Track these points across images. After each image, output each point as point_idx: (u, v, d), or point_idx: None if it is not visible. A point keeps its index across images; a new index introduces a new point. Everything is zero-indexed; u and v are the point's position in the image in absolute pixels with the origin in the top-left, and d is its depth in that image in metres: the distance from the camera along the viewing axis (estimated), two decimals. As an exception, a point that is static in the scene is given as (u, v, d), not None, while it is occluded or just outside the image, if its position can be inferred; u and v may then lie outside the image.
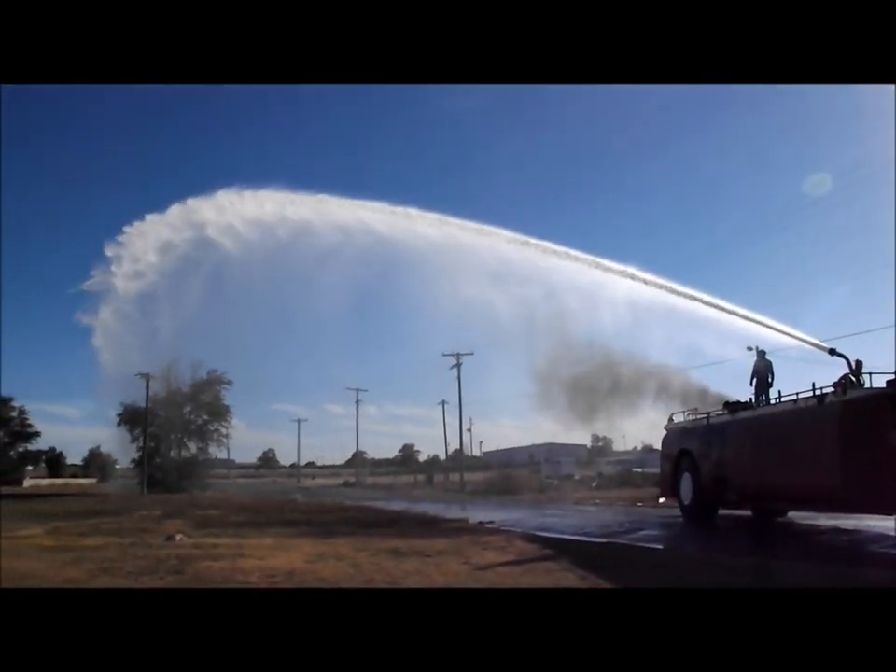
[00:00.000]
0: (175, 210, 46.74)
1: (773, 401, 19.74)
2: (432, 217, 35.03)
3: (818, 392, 16.30)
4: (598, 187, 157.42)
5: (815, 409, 16.14)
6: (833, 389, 15.95)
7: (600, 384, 38.15)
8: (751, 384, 22.22)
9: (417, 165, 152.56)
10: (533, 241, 32.91)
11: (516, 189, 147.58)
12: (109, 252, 53.00)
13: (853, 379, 16.42)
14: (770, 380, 21.87)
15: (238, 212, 42.54)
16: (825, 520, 19.15)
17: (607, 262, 31.24)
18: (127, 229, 51.19)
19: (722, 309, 27.46)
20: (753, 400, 21.20)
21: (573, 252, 31.98)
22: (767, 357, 22.51)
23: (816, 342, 23.06)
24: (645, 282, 29.97)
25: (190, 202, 44.85)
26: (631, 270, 30.36)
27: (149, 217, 49.88)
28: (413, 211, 35.50)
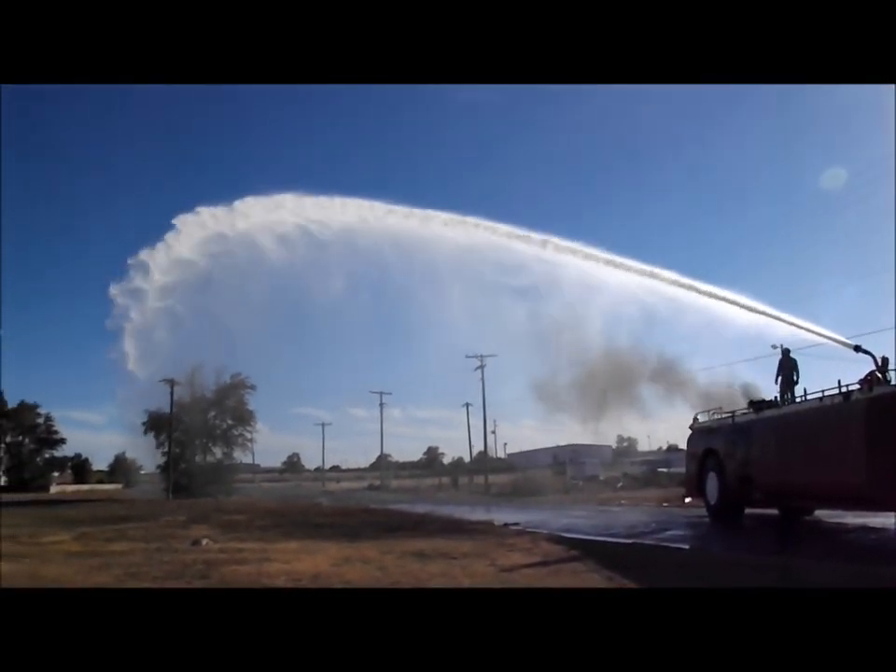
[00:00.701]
0: (199, 218, 47.08)
1: (798, 399, 19.63)
2: (453, 218, 35.10)
3: (843, 389, 16.18)
4: (613, 186, 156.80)
5: (841, 406, 16.00)
6: (858, 386, 15.83)
7: (616, 383, 38.18)
8: (776, 382, 22.12)
9: (432, 162, 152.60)
10: (560, 242, 32.90)
11: (533, 186, 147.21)
12: (138, 258, 53.52)
13: (879, 376, 16.28)
14: (796, 378, 21.75)
15: (261, 218, 42.76)
16: (852, 518, 19.00)
17: (628, 262, 31.21)
18: (156, 235, 51.66)
19: (746, 307, 27.38)
20: (779, 399, 21.07)
21: (597, 253, 31.98)
22: (792, 355, 22.42)
23: (841, 338, 22.99)
24: (670, 282, 29.93)
25: (215, 209, 45.13)
26: (655, 269, 30.33)
27: (175, 225, 50.28)
28: (434, 213, 35.60)
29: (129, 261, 55.07)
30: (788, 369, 21.96)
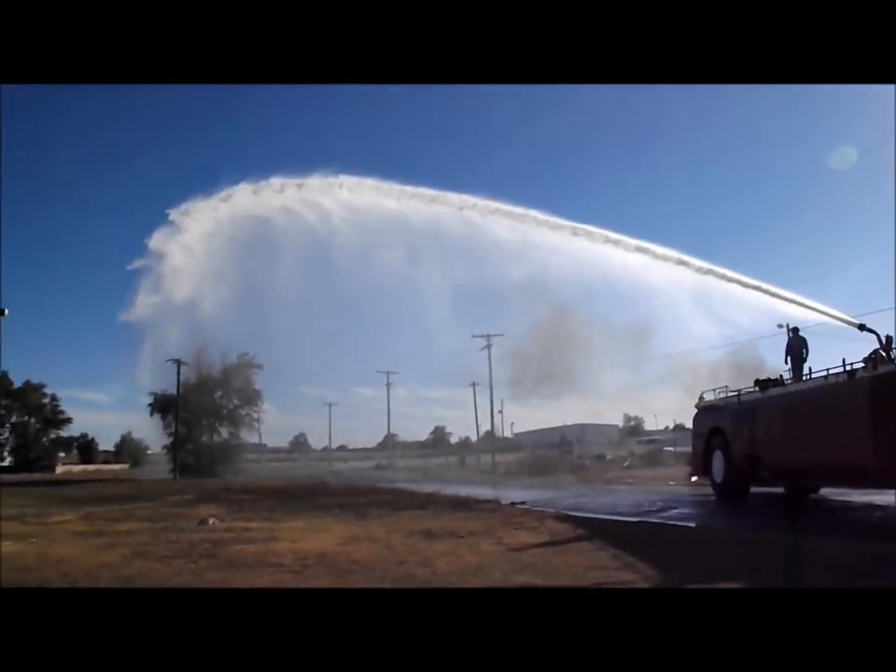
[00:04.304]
0: (212, 201, 47.09)
1: (804, 378, 19.64)
2: (457, 198, 35.06)
3: (848, 368, 16.20)
4: (616, 169, 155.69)
5: (846, 385, 16.03)
6: (863, 365, 15.84)
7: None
8: (786, 361, 22.11)
9: (436, 144, 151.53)
10: (562, 222, 32.85)
11: (537, 170, 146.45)
12: (150, 241, 53.65)
13: (884, 354, 16.28)
14: (805, 356, 21.74)
15: (270, 200, 42.79)
16: (858, 496, 19.04)
17: (636, 242, 31.16)
18: (164, 218, 51.72)
19: (751, 286, 27.34)
20: (790, 377, 21.03)
21: (603, 232, 31.92)
22: (801, 333, 22.39)
23: (845, 317, 22.94)
24: (678, 262, 29.88)
25: (228, 190, 45.15)
26: (667, 251, 30.28)
27: (182, 208, 50.31)
28: (441, 194, 35.57)
29: (134, 243, 55.25)
30: (797, 347, 21.93)
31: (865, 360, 15.88)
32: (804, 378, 19.41)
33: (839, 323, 23.12)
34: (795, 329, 22.63)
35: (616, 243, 31.60)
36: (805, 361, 21.47)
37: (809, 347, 21.97)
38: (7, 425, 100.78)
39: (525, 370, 57.55)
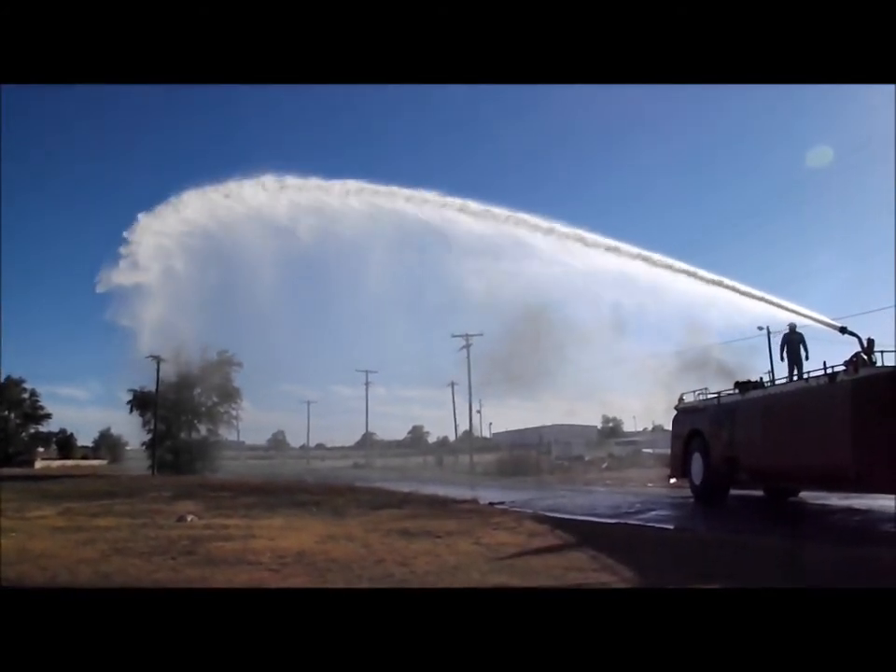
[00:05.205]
0: (187, 197, 46.91)
1: (783, 380, 19.69)
2: (436, 199, 35.04)
3: (829, 371, 16.23)
4: (597, 169, 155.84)
5: (826, 388, 16.06)
6: (844, 368, 15.87)
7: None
8: (782, 359, 22.13)
9: (418, 144, 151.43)
10: (543, 223, 32.83)
11: (521, 169, 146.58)
12: (124, 236, 53.37)
13: (865, 358, 16.32)
14: (805, 354, 21.76)
15: (248, 198, 42.70)
16: (837, 500, 19.11)
17: (614, 242, 31.16)
18: (141, 215, 51.50)
19: (731, 288, 27.38)
20: (776, 376, 21.00)
21: (583, 234, 31.91)
22: (798, 330, 22.40)
23: (827, 320, 22.96)
24: (653, 263, 29.89)
25: (208, 188, 44.99)
26: (639, 251, 30.28)
27: (161, 206, 50.14)
28: (422, 193, 35.54)
29: (114, 240, 54.87)
30: (794, 344, 21.94)
31: (846, 363, 15.90)
32: (805, 376, 19.28)
33: (820, 326, 23.15)
34: (793, 326, 22.60)
35: (595, 244, 31.61)
36: (807, 358, 21.52)
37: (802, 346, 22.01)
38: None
39: (503, 370, 57.75)
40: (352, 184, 38.00)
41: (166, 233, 51.91)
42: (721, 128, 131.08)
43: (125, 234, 53.10)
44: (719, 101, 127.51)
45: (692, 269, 28.45)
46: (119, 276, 54.66)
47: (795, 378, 20.15)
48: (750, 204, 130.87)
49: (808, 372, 17.25)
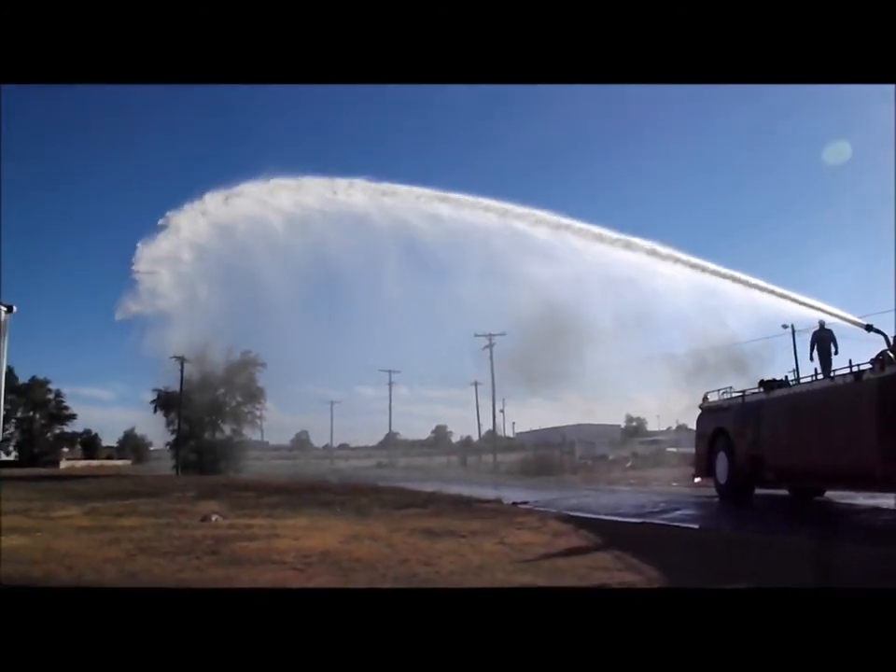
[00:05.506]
0: (213, 197, 47.07)
1: (808, 379, 19.55)
2: (463, 199, 35.06)
3: (855, 369, 16.11)
4: (612, 170, 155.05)
5: (852, 386, 15.93)
6: (870, 366, 15.74)
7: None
8: (811, 357, 22.01)
9: (431, 145, 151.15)
10: (563, 221, 32.79)
11: (535, 169, 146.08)
12: (146, 241, 53.60)
13: (891, 355, 16.16)
14: (835, 350, 21.63)
15: (272, 199, 42.85)
16: (863, 499, 18.95)
17: (635, 240, 31.09)
18: (169, 214, 51.66)
19: (754, 286, 27.24)
20: (819, 372, 20.82)
21: (605, 232, 31.86)
22: (827, 327, 22.25)
23: (853, 318, 22.81)
24: (676, 260, 29.79)
25: (231, 190, 45.16)
26: (668, 251, 30.19)
27: (187, 206, 50.30)
28: (444, 194, 35.57)
29: (135, 243, 54.94)
30: (824, 342, 21.81)
31: (872, 361, 15.77)
32: (832, 374, 19.12)
33: (845, 324, 22.99)
34: (822, 323, 22.44)
35: (614, 242, 31.55)
36: (837, 355, 21.40)
37: (825, 343, 21.89)
38: (13, 420, 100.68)
39: (524, 369, 57.64)
40: (373, 185, 38.12)
41: (190, 234, 52.10)
42: (735, 128, 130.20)
43: (148, 236, 53.40)
44: (733, 101, 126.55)
45: (723, 269, 28.37)
46: (142, 279, 55.00)
47: (822, 376, 19.98)
48: (767, 204, 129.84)
49: (834, 371, 17.09)
